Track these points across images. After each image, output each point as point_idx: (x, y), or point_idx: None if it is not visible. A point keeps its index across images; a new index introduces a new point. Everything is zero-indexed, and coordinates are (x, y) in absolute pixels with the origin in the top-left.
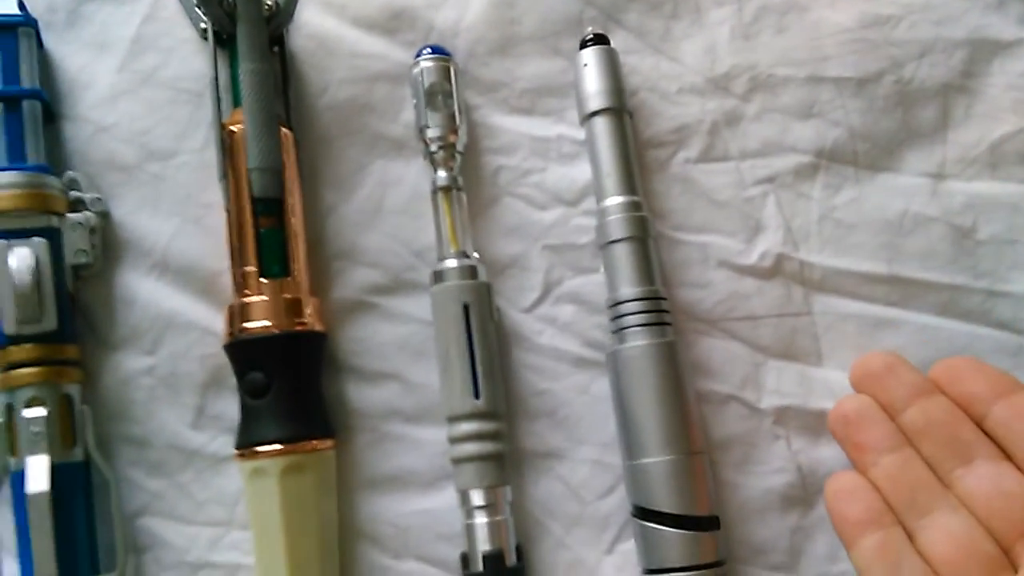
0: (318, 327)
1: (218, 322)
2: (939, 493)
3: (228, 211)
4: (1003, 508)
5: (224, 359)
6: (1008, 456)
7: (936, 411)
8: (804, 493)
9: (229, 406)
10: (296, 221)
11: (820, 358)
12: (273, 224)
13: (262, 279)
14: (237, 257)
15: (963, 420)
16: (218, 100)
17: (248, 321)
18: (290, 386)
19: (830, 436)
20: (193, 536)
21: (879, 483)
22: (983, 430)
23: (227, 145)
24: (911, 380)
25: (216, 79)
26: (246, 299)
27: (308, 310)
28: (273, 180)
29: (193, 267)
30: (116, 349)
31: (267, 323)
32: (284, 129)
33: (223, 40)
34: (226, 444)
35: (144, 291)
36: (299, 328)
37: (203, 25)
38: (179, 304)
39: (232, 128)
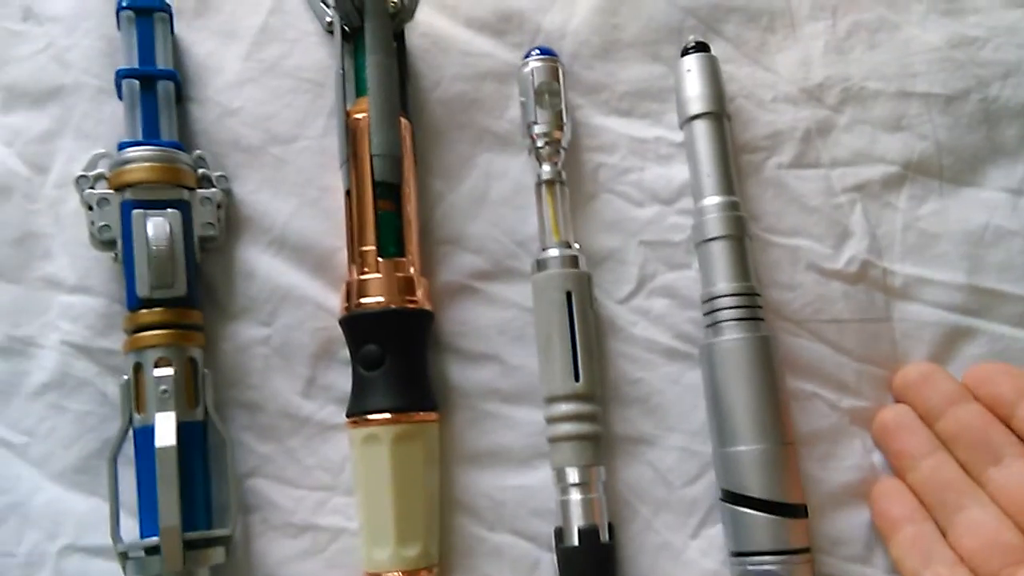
0: (427, 306)
1: (330, 298)
2: (970, 492)
3: (348, 194)
4: None
5: (334, 333)
6: None
7: (968, 416)
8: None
9: (338, 377)
10: (411, 206)
11: (897, 363)
12: (390, 208)
13: (379, 258)
14: (356, 237)
15: (993, 423)
16: (343, 90)
17: (365, 297)
18: (401, 360)
19: None
20: (300, 499)
21: (916, 486)
22: (1012, 430)
23: (351, 132)
24: (946, 389)
25: (343, 70)
26: (364, 276)
27: (419, 290)
28: (393, 166)
29: (309, 245)
30: (235, 318)
31: (382, 299)
32: (403, 119)
33: (347, 34)
34: (334, 413)
35: (263, 265)
36: (411, 306)
37: (328, 19)
38: (294, 279)
39: (356, 116)
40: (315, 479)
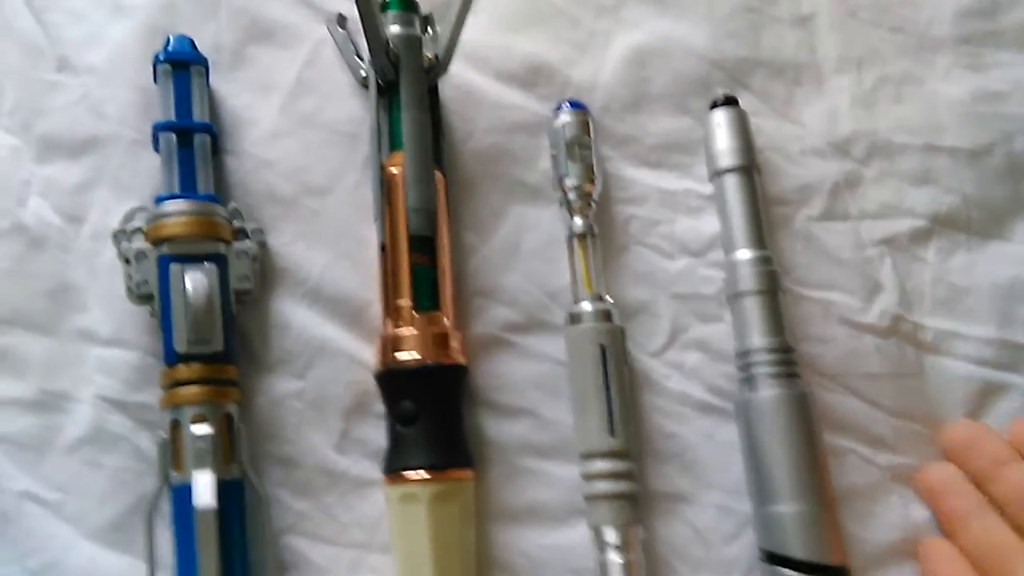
0: (462, 360)
1: (364, 351)
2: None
3: (383, 247)
4: None
5: (368, 386)
6: None
7: (1018, 477)
8: (916, 548)
9: (372, 431)
10: (445, 259)
11: (933, 418)
12: (425, 261)
13: (414, 312)
14: (391, 290)
15: None
16: (379, 144)
17: (399, 351)
18: (437, 416)
19: None
20: (335, 557)
21: (967, 548)
22: None
23: (386, 186)
24: (994, 449)
25: (378, 125)
26: (398, 331)
27: (454, 343)
28: (428, 220)
29: (343, 298)
30: (269, 371)
31: (417, 354)
32: (437, 173)
33: (382, 88)
34: (368, 468)
35: (297, 318)
36: (446, 360)
37: (363, 73)
38: (328, 332)
39: (391, 170)
40: (350, 536)
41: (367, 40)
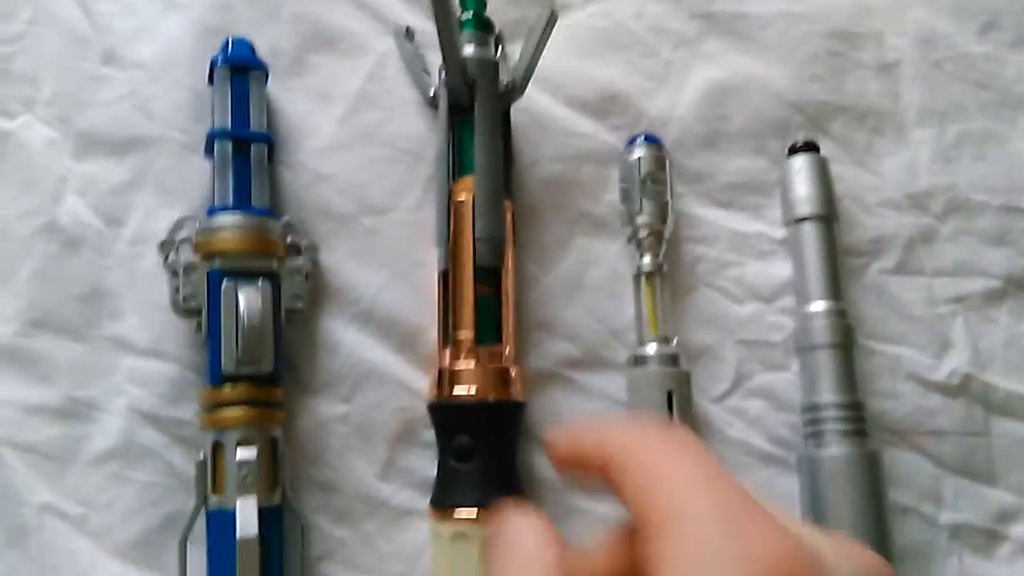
0: (522, 397)
1: (414, 377)
2: None
3: (445, 275)
4: None
5: (416, 414)
6: None
7: None
8: None
9: (417, 461)
10: (510, 290)
11: (994, 479)
12: (489, 292)
13: (476, 345)
14: (452, 320)
15: None
16: (447, 168)
17: (458, 385)
18: (494, 453)
19: (999, 556)
20: None
21: None
22: None
23: (452, 212)
24: None
25: (448, 149)
26: (458, 365)
27: (515, 379)
28: (496, 251)
29: (396, 321)
30: (314, 393)
31: (476, 390)
32: (506, 200)
33: (453, 110)
34: (411, 498)
35: (347, 339)
36: (506, 397)
37: (431, 92)
38: (378, 356)
39: (459, 196)
40: (389, 567)
41: (444, 60)
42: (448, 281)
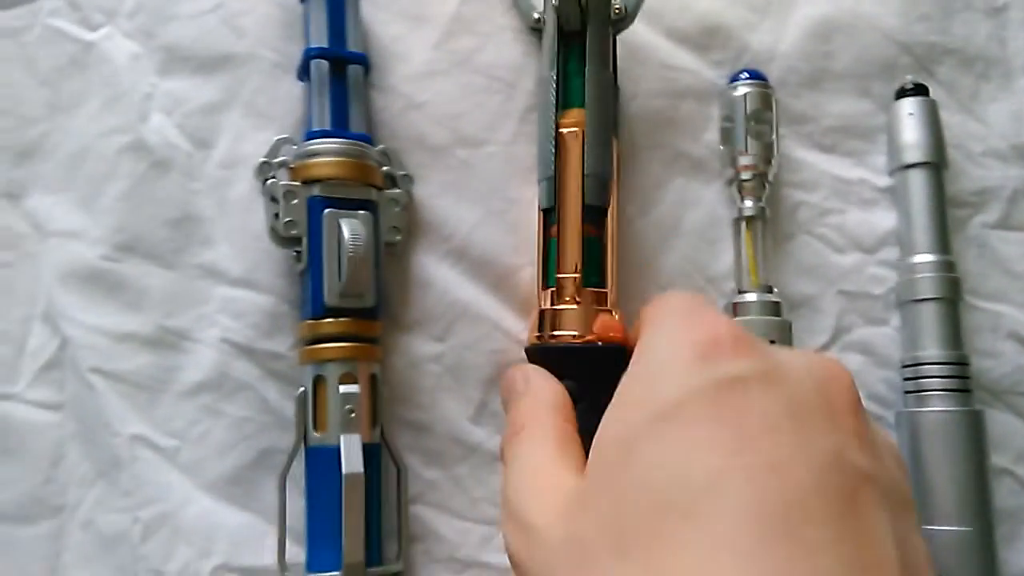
0: (626, 341)
1: (508, 318)
2: None
3: (547, 212)
4: None
5: (511, 355)
6: None
7: None
8: None
9: None
10: (614, 232)
11: None
12: (596, 233)
13: (582, 287)
14: (558, 261)
15: None
16: (555, 98)
17: (561, 329)
18: (597, 398)
19: None
20: (465, 532)
21: None
22: None
23: (557, 147)
24: None
25: (556, 78)
26: (562, 306)
27: (619, 323)
28: (604, 189)
29: (491, 260)
30: (407, 331)
31: (581, 333)
32: (613, 138)
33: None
34: None
35: (440, 276)
36: (612, 341)
37: (536, 16)
38: (472, 294)
39: (563, 130)
40: (482, 512)
41: None
42: (550, 219)
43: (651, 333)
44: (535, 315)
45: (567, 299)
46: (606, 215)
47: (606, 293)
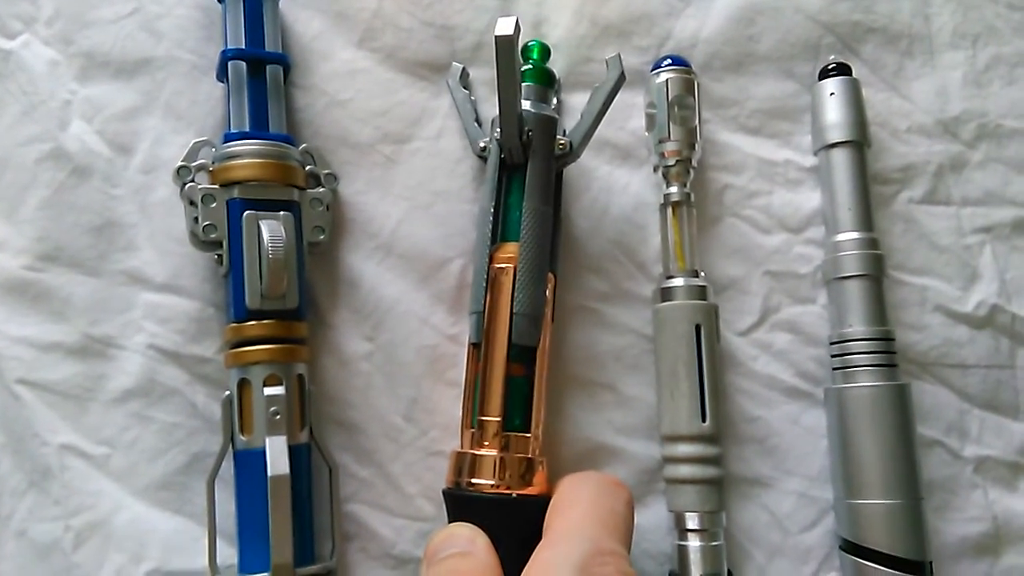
0: (546, 490)
1: (437, 312)
2: None
3: (476, 347)
4: None
5: (441, 351)
6: None
7: None
8: (996, 543)
9: (442, 400)
10: (544, 372)
11: (1019, 412)
12: (523, 373)
13: (503, 432)
14: (480, 401)
15: None
16: (492, 229)
17: (478, 477)
18: (512, 549)
19: None
20: (400, 529)
21: None
22: None
23: (490, 280)
24: None
25: (494, 210)
26: (480, 451)
27: (540, 471)
28: (534, 328)
29: (418, 254)
30: (336, 330)
31: (497, 483)
32: (549, 273)
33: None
34: (437, 439)
35: (367, 273)
36: (530, 492)
37: (482, 144)
38: (400, 290)
39: (497, 264)
40: (416, 508)
41: (501, 115)
42: (478, 355)
43: (558, 527)
44: (454, 456)
45: (486, 443)
46: (535, 355)
47: (529, 439)
